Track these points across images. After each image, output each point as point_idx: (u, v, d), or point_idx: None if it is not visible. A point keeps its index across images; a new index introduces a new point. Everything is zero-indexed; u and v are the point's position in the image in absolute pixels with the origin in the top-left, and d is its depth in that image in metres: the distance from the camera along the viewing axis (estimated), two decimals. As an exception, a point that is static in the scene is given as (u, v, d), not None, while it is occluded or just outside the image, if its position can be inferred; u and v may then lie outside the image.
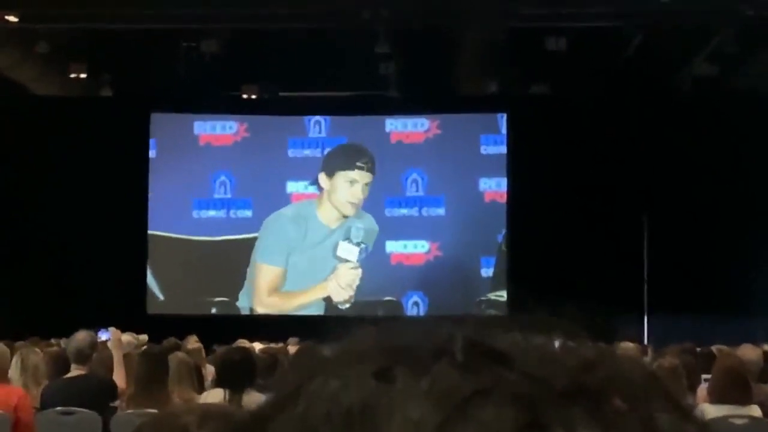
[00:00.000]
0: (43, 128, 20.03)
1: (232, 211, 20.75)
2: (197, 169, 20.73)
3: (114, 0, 16.27)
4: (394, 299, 20.33)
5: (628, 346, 11.60)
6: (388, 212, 20.48)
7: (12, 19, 16.87)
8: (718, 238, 19.48)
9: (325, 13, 17.05)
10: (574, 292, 17.61)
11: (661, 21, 17.19)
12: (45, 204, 19.79)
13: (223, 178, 20.77)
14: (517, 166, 20.25)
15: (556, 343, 0.72)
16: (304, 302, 20.22)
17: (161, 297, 20.66)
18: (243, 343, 13.05)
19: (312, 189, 20.52)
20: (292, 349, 13.15)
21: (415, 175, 20.63)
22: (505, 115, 20.71)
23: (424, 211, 20.64)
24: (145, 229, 20.62)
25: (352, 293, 20.09)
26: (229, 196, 20.75)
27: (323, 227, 20.21)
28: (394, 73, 19.10)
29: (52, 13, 16.90)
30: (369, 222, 20.24)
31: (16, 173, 20.09)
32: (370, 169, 20.33)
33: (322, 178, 20.32)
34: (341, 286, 20.08)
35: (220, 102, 20.71)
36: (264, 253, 20.43)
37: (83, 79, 19.76)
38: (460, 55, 18.67)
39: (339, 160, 20.44)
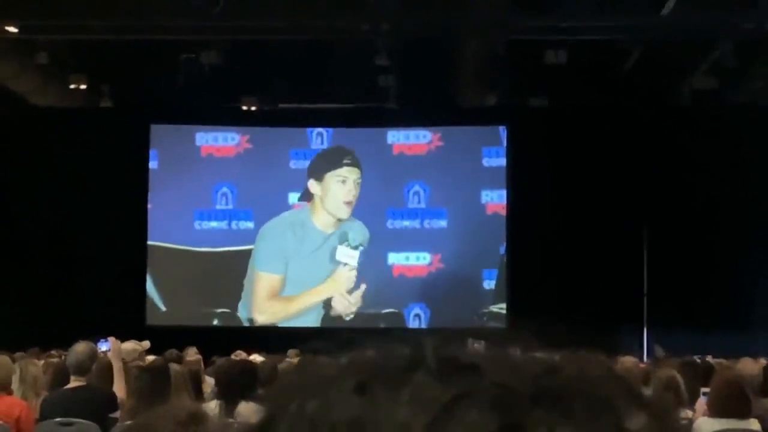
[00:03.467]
0: (42, 139, 20.04)
1: (233, 223, 20.74)
2: (199, 180, 20.72)
3: (114, 11, 16.28)
4: (396, 311, 20.35)
5: (628, 360, 11.56)
6: (390, 224, 20.48)
7: (12, 29, 16.88)
8: (717, 251, 19.48)
9: (325, 26, 17.07)
10: (574, 304, 17.66)
11: (660, 35, 17.21)
12: (44, 214, 19.79)
13: (225, 189, 20.77)
14: (516, 179, 20.25)
15: (520, 354, 0.74)
16: (303, 306, 20.23)
17: (163, 308, 20.64)
18: (241, 354, 13.04)
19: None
20: (292, 361, 13.11)
21: (417, 187, 20.64)
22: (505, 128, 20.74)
23: (426, 223, 20.65)
24: (145, 239, 20.61)
25: (350, 298, 20.10)
26: (230, 207, 20.75)
27: (319, 233, 20.26)
28: (394, 85, 19.12)
29: (52, 24, 16.91)
30: (361, 227, 20.27)
31: (16, 184, 20.10)
32: (357, 164, 20.42)
33: (312, 184, 20.36)
34: (340, 291, 20.11)
35: (220, 113, 20.71)
36: (262, 262, 20.45)
37: (83, 90, 19.78)
38: (459, 68, 18.68)
39: (325, 163, 20.51)
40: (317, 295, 20.27)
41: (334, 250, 20.16)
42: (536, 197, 19.81)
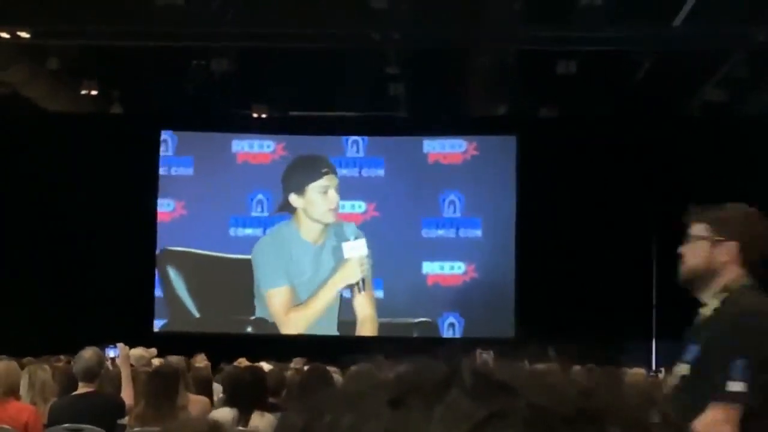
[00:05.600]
0: (53, 144, 20.05)
1: (269, 230, 20.66)
2: (234, 187, 20.68)
3: (125, 17, 16.31)
4: (430, 320, 20.28)
5: (637, 372, 11.52)
6: (425, 233, 20.42)
7: (23, 35, 16.91)
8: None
9: (336, 34, 17.09)
10: (582, 315, 17.61)
11: (671, 46, 17.20)
12: (55, 220, 19.81)
13: (260, 196, 20.72)
14: (525, 189, 20.23)
15: (555, 371, 0.74)
16: (321, 307, 20.13)
17: (197, 314, 20.61)
18: (243, 362, 13.00)
19: (359, 208, 20.52)
20: (297, 368, 13.07)
21: (452, 197, 20.57)
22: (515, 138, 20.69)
23: (461, 233, 20.58)
24: (154, 245, 20.60)
25: (365, 266, 19.87)
26: (266, 214, 20.70)
27: (308, 245, 20.17)
28: (404, 94, 19.13)
29: (64, 30, 16.94)
30: (346, 224, 20.23)
31: (27, 189, 20.12)
32: (334, 170, 20.36)
33: (293, 198, 20.21)
34: (352, 280, 19.77)
35: (235, 120, 20.77)
36: (265, 280, 20.36)
37: (94, 95, 19.81)
38: (469, 78, 18.69)
39: (303, 175, 20.38)
40: (332, 288, 20.17)
41: (332, 249, 20.01)
42: (545, 207, 19.78)
